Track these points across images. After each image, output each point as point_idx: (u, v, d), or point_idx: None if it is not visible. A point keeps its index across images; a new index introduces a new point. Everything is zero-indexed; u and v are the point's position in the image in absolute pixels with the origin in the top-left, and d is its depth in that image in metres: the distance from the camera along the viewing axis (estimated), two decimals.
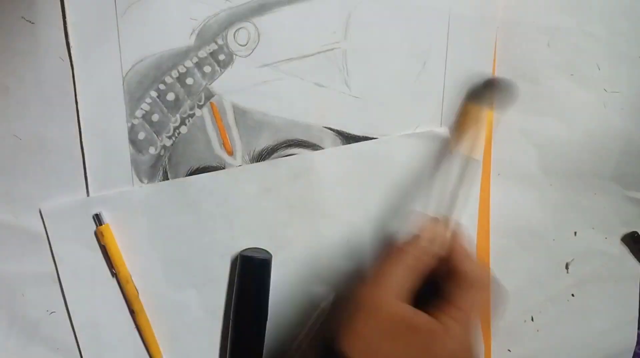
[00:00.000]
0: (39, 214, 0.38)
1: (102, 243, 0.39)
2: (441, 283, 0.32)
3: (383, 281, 0.30)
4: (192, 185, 0.40)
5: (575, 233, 0.45)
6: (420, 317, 0.29)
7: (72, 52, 0.36)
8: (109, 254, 0.39)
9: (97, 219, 0.39)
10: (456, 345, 0.29)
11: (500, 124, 0.42)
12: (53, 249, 0.39)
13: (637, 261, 0.46)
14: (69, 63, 0.36)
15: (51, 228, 0.39)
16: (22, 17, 0.35)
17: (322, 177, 0.41)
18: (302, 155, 0.40)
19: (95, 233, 0.39)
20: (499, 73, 0.40)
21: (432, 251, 0.32)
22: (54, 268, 0.40)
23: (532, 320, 0.46)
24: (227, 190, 0.40)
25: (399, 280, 0.30)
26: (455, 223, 0.35)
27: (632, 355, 0.48)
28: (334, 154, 0.41)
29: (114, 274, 0.39)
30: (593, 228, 0.45)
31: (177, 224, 0.40)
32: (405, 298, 0.30)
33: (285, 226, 0.41)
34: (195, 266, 0.41)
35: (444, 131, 0.41)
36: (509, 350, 0.47)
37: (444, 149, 0.41)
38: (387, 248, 0.33)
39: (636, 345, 0.48)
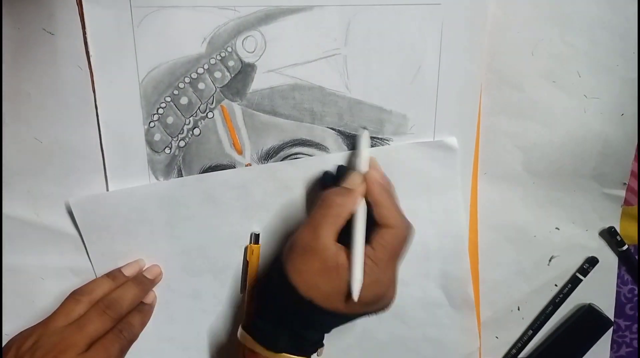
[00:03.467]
0: (58, 211, 0.39)
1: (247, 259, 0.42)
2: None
3: (317, 227, 0.35)
4: (216, 180, 0.41)
5: (557, 228, 0.46)
6: (342, 256, 0.34)
7: (91, 60, 0.36)
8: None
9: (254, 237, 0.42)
10: (367, 279, 0.34)
11: (487, 127, 0.43)
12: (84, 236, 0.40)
13: (614, 254, 0.47)
14: (89, 71, 0.36)
15: (79, 217, 0.40)
16: (43, 29, 0.35)
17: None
18: (320, 157, 0.41)
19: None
20: (487, 80, 0.41)
21: (355, 200, 0.36)
22: (72, 261, 0.41)
23: (519, 309, 0.47)
24: (248, 186, 0.41)
25: (329, 225, 0.35)
26: (375, 175, 0.37)
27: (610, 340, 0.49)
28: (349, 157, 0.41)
29: None
30: (573, 223, 0.46)
31: (198, 214, 0.41)
32: (333, 238, 0.35)
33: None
34: (213, 254, 0.42)
35: (452, 140, 0.42)
36: (496, 337, 0.48)
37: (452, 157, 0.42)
38: (319, 199, 0.36)
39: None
